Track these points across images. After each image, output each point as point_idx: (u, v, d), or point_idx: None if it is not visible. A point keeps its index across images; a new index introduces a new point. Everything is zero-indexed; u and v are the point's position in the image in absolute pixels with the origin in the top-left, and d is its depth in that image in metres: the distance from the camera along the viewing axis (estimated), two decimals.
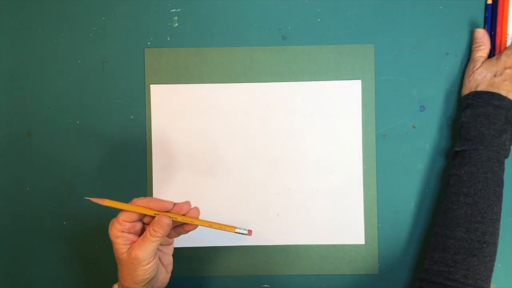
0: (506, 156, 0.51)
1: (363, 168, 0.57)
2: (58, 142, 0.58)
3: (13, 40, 0.58)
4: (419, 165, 0.57)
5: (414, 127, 0.57)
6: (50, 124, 0.58)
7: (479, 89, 0.53)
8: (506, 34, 0.55)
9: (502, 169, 0.51)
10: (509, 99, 0.51)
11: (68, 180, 0.58)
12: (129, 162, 0.57)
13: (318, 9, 0.57)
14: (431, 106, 0.57)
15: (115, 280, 0.51)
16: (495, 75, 0.52)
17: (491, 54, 0.55)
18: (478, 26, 0.57)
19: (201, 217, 0.46)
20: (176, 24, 0.58)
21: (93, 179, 0.58)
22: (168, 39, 0.58)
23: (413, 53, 0.57)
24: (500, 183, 0.50)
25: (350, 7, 0.57)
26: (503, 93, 0.51)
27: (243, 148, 0.57)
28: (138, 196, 0.57)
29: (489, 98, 0.51)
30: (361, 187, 0.57)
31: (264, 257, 0.57)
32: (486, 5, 0.56)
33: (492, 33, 0.56)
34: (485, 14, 0.56)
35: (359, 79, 0.57)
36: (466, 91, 0.54)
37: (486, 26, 0.56)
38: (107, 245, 0.58)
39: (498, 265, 0.56)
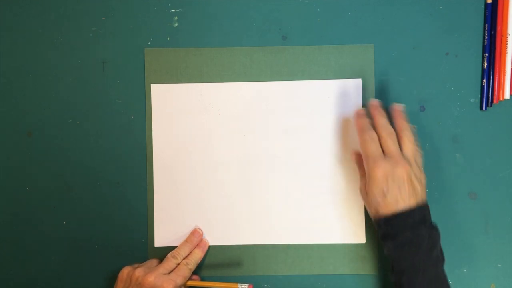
0: (443, 261, 0.49)
1: None
2: (58, 142, 0.58)
3: (13, 40, 0.58)
4: None
5: (414, 127, 0.57)
6: (50, 124, 0.58)
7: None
8: (506, 34, 0.55)
9: (443, 271, 0.49)
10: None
11: (68, 180, 0.58)
12: (129, 162, 0.57)
13: (318, 9, 0.57)
14: (431, 106, 0.57)
15: (115, 280, 0.51)
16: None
17: (492, 55, 0.55)
18: (478, 26, 0.57)
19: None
20: (176, 24, 0.58)
21: (93, 179, 0.58)
22: (168, 39, 0.58)
23: (413, 53, 0.57)
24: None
25: (350, 7, 0.57)
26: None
27: (243, 147, 0.57)
28: (138, 196, 0.57)
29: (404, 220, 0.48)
30: None
31: (264, 257, 0.57)
32: (486, 4, 0.56)
33: (492, 32, 0.56)
34: (485, 13, 0.56)
35: (359, 79, 0.57)
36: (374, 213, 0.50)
37: (486, 25, 0.56)
38: (107, 245, 0.58)
39: (498, 265, 0.56)
